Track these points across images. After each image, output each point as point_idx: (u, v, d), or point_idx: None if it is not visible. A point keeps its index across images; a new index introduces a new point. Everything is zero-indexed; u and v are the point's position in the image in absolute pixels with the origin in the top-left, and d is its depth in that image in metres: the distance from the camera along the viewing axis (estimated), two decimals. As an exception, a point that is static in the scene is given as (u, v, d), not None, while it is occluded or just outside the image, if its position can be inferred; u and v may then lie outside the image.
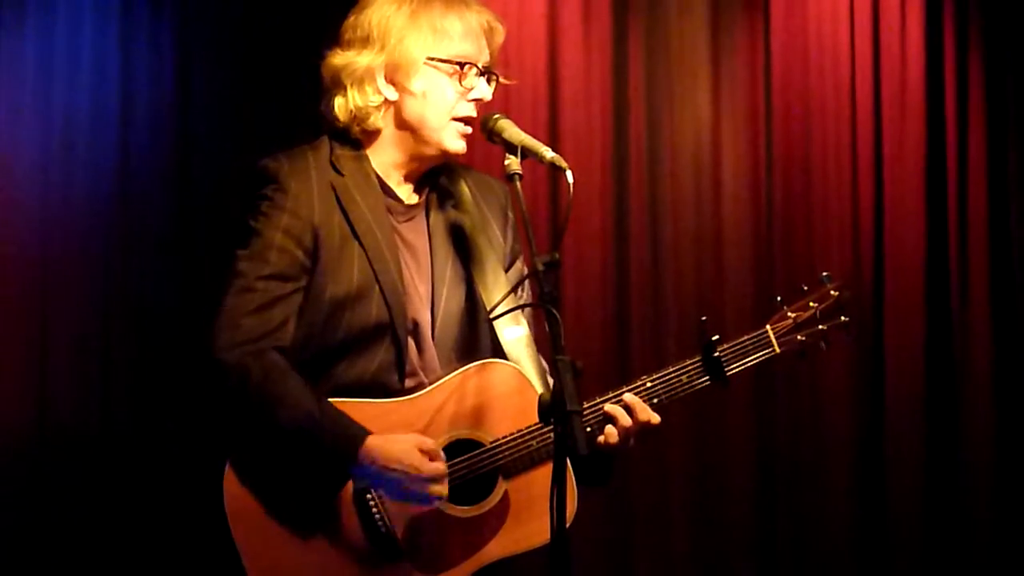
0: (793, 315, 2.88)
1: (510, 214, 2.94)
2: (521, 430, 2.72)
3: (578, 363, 2.39)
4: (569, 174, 2.59)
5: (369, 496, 2.67)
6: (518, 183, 2.64)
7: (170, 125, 4.23)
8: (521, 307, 2.82)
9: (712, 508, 4.64)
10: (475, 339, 2.82)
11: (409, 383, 2.74)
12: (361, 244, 2.73)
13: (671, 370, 2.80)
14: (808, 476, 4.65)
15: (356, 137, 2.82)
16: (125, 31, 4.21)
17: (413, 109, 2.78)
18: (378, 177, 2.81)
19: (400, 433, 2.68)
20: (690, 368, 2.80)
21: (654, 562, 4.59)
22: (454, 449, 2.72)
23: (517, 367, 2.76)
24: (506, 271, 2.87)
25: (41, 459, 4.05)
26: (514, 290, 2.81)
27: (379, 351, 2.72)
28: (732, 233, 4.71)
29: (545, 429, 2.69)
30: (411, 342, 2.75)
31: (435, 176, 2.88)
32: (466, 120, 2.80)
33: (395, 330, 2.72)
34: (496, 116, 2.75)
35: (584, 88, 4.65)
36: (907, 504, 4.63)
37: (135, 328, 4.15)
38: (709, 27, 4.75)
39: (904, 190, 4.70)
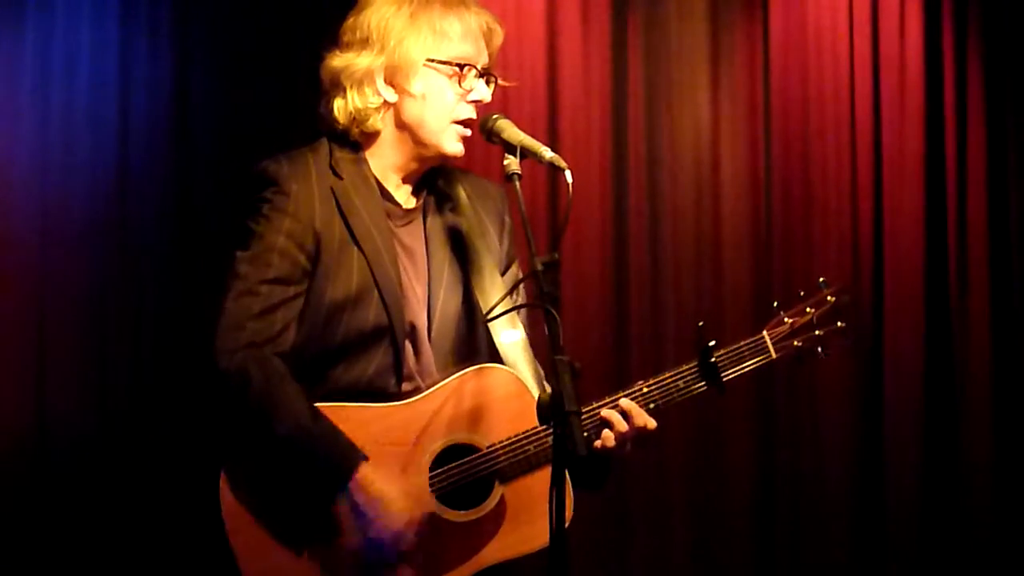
0: (790, 320, 2.88)
1: (506, 219, 2.93)
2: (518, 434, 2.72)
3: (577, 364, 2.39)
4: (568, 174, 2.59)
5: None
6: (517, 183, 2.63)
7: (169, 126, 4.23)
8: (520, 307, 2.82)
9: (711, 512, 4.64)
10: (472, 343, 2.82)
11: (406, 387, 2.74)
12: (360, 248, 2.73)
13: (668, 375, 2.80)
14: (807, 479, 4.66)
15: (355, 139, 2.82)
16: (124, 32, 4.21)
17: (412, 111, 2.78)
18: (377, 180, 2.81)
19: (398, 435, 2.68)
20: (686, 373, 2.81)
21: (652, 566, 4.59)
22: (451, 453, 2.72)
23: (514, 371, 2.76)
24: (502, 275, 2.86)
25: (40, 460, 4.05)
26: (510, 293, 2.80)
27: (376, 354, 2.72)
28: (731, 233, 4.72)
29: (542, 433, 2.69)
30: (408, 345, 2.75)
31: (432, 179, 2.88)
32: (466, 122, 2.80)
33: (393, 334, 2.72)
34: (495, 116, 2.75)
35: (583, 89, 4.64)
36: (906, 507, 4.64)
37: (133, 329, 4.15)
38: (708, 28, 4.75)
39: (903, 190, 4.71)
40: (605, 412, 2.74)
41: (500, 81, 2.88)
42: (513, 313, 2.81)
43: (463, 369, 2.75)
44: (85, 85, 4.16)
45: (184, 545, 3.96)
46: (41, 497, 4.04)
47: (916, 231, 4.70)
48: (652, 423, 2.75)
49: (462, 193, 2.88)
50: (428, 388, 2.74)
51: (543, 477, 2.64)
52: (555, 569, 2.40)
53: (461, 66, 2.78)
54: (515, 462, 2.71)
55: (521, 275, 2.89)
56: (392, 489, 2.64)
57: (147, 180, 4.21)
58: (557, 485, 2.34)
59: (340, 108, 2.80)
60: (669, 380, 2.79)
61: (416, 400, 2.73)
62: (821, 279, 2.94)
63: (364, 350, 2.72)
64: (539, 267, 2.49)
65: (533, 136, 2.71)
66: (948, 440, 4.66)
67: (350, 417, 2.67)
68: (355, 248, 2.73)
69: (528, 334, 2.84)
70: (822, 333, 2.89)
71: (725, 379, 2.81)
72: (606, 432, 2.73)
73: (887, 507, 4.64)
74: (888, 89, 4.72)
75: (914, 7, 4.74)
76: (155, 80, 4.23)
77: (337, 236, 2.74)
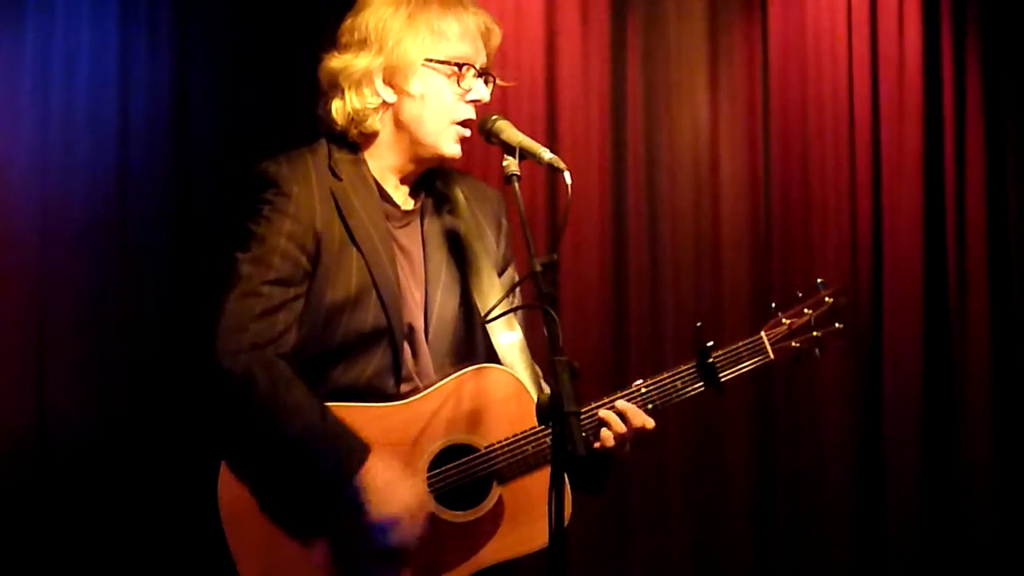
0: (788, 322, 2.89)
1: (503, 221, 2.94)
2: (516, 435, 2.72)
3: (576, 364, 2.39)
4: (567, 175, 2.59)
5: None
6: (516, 184, 2.63)
7: (168, 126, 4.23)
8: (519, 308, 2.83)
9: (710, 512, 4.64)
10: (470, 344, 2.82)
11: (404, 387, 2.74)
12: (359, 250, 2.73)
13: (666, 376, 2.80)
14: (807, 479, 4.65)
15: (353, 140, 2.82)
16: (123, 32, 4.20)
17: (411, 111, 2.79)
18: (375, 182, 2.81)
19: (397, 436, 2.68)
20: (684, 374, 2.81)
21: (652, 566, 4.59)
22: (449, 454, 2.72)
23: (512, 372, 2.77)
24: (499, 277, 2.86)
25: (40, 460, 4.05)
26: (508, 294, 2.80)
27: (375, 356, 2.73)
28: (730, 233, 4.72)
29: (541, 434, 2.69)
30: (406, 347, 2.75)
31: (430, 181, 2.88)
32: (465, 123, 2.81)
33: (392, 335, 2.72)
34: (494, 117, 2.75)
35: (582, 89, 4.64)
36: (906, 507, 4.63)
37: (133, 329, 4.15)
38: (707, 28, 4.75)
39: (902, 191, 4.70)
40: (603, 413, 2.74)
41: (499, 81, 2.89)
42: (511, 314, 2.82)
43: (461, 369, 2.75)
44: (85, 85, 4.16)
45: (183, 545, 3.95)
46: (41, 497, 4.03)
47: (915, 231, 4.70)
48: (650, 423, 2.76)
49: (460, 195, 2.89)
50: (426, 389, 2.74)
51: (541, 478, 2.65)
52: (554, 569, 2.41)
53: (459, 66, 2.79)
54: (513, 463, 2.71)
55: (518, 277, 2.89)
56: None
57: (147, 180, 4.20)
58: (556, 485, 2.34)
59: (338, 109, 2.80)
60: (667, 380, 2.80)
61: (414, 401, 2.73)
62: (819, 280, 2.95)
63: (363, 351, 2.72)
64: (538, 268, 2.50)
65: (532, 137, 2.72)
66: (947, 440, 4.65)
67: (349, 417, 2.67)
68: (354, 249, 2.73)
69: (527, 335, 2.84)
70: (820, 334, 2.89)
71: (723, 380, 2.82)
72: (605, 432, 2.74)
73: (887, 507, 4.63)
74: (887, 89, 4.72)
75: (913, 7, 4.74)
76: (155, 80, 4.23)
77: (337, 237, 2.74)
